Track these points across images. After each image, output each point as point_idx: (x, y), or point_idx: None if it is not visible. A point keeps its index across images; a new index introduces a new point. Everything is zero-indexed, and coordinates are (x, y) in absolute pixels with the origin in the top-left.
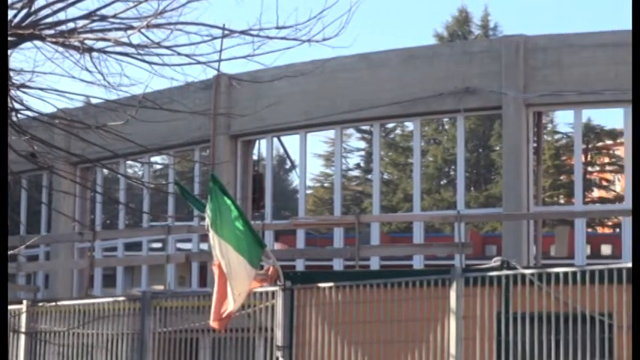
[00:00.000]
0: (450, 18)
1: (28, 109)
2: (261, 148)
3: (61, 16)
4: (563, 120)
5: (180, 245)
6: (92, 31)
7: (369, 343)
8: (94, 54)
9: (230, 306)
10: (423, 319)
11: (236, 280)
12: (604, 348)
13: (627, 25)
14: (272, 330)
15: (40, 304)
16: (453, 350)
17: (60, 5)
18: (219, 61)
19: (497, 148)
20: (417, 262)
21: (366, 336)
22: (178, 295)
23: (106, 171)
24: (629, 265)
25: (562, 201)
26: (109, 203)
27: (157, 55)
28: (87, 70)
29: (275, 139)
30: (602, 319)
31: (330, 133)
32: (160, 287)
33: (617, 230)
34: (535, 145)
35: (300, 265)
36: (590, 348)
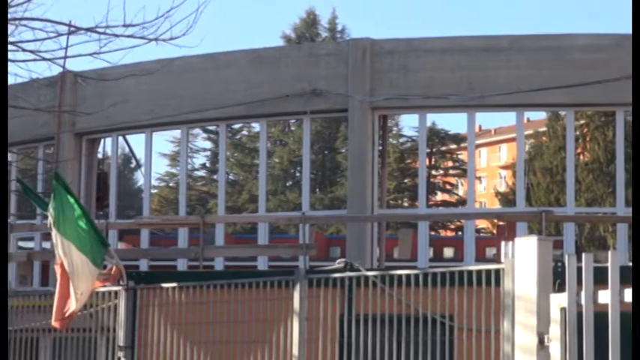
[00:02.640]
0: (298, 20)
1: None
2: (107, 146)
3: None
4: (408, 123)
5: (22, 244)
6: None
7: (212, 344)
8: None
9: (72, 305)
10: (266, 320)
11: (79, 280)
12: (445, 349)
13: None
14: (114, 330)
15: None
16: (295, 351)
17: None
18: (65, 57)
19: (343, 150)
20: (262, 264)
21: (209, 336)
22: (19, 294)
23: None
24: (470, 267)
25: (406, 204)
26: None
27: None
28: None
29: (120, 138)
30: (443, 321)
31: (176, 133)
32: None
33: (460, 233)
34: (380, 148)
35: (143, 265)
36: (432, 349)
